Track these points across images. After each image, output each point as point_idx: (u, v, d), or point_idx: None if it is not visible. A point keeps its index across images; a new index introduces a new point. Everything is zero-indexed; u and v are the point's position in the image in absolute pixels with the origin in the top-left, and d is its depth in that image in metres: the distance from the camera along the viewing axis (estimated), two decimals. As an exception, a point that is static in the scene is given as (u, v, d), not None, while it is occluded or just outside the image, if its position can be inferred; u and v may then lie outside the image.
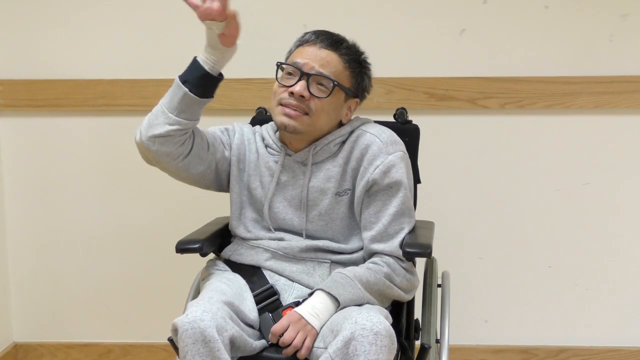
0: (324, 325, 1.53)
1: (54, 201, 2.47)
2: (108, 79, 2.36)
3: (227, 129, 1.81)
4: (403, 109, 1.92)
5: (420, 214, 1.94)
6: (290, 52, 1.75)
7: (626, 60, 2.29)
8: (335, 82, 1.66)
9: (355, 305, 1.59)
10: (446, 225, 2.25)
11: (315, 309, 1.54)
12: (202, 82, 1.62)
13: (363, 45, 2.30)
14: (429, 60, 2.32)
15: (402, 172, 1.67)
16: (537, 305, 2.43)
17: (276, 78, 1.71)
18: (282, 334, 1.51)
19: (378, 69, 2.31)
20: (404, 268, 1.66)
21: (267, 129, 1.79)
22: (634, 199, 2.37)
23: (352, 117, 1.77)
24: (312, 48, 1.69)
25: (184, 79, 1.62)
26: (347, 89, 1.71)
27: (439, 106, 2.32)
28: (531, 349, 2.45)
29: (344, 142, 1.72)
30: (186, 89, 1.61)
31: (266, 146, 1.77)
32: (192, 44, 2.32)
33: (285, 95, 1.66)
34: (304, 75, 1.65)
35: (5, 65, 2.39)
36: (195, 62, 1.62)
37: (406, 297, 1.69)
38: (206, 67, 1.61)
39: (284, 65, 1.71)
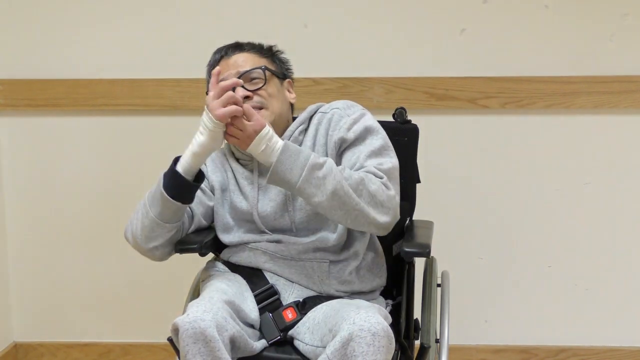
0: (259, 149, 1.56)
1: (54, 201, 2.47)
2: (108, 79, 2.36)
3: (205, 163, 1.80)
4: (402, 108, 1.92)
5: (420, 214, 1.94)
6: (209, 82, 1.75)
7: (626, 60, 2.29)
8: (263, 67, 1.71)
9: (349, 299, 1.62)
10: (446, 225, 2.25)
11: (271, 140, 1.56)
12: (189, 191, 1.64)
13: (363, 45, 2.32)
14: (429, 60, 2.32)
15: (366, 120, 1.69)
16: (537, 305, 2.43)
17: None
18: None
19: (378, 69, 2.33)
20: (383, 184, 1.59)
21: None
22: (634, 199, 2.37)
23: (307, 107, 1.78)
24: (222, 62, 1.73)
25: (172, 193, 1.60)
26: (275, 72, 1.75)
27: (439, 106, 2.32)
28: (531, 349, 2.45)
29: (306, 129, 1.74)
30: (179, 203, 1.62)
31: (237, 159, 1.77)
32: (192, 43, 2.34)
33: None
34: None
35: (5, 65, 2.39)
36: (179, 176, 1.60)
37: (377, 216, 1.57)
38: (190, 177, 1.62)
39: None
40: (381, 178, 1.60)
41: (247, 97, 1.66)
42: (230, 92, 1.56)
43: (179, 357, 1.49)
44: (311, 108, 1.77)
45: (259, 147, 1.56)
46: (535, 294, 2.43)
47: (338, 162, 1.67)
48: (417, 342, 1.74)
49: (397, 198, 1.62)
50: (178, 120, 2.38)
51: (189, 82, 2.34)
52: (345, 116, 1.70)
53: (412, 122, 1.92)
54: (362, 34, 2.32)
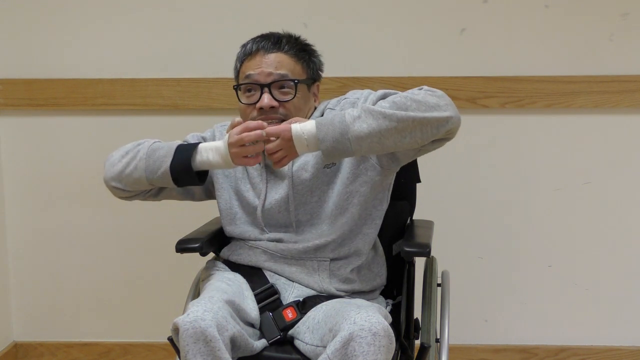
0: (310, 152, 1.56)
1: (53, 201, 2.47)
2: (108, 78, 2.36)
3: (204, 137, 1.80)
4: (403, 108, 1.92)
5: (420, 214, 1.94)
6: (237, 70, 1.75)
7: (626, 60, 2.29)
8: (296, 80, 1.68)
9: (349, 298, 1.62)
10: (446, 224, 2.25)
11: (305, 128, 1.52)
12: (193, 181, 1.65)
13: (363, 45, 2.32)
14: (429, 60, 2.32)
15: (376, 91, 1.66)
16: (537, 304, 2.43)
17: (238, 100, 1.72)
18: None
19: (378, 69, 2.33)
20: (426, 90, 1.56)
21: None
22: (634, 199, 2.37)
23: (319, 105, 1.77)
24: (258, 57, 1.69)
25: (176, 176, 1.62)
26: (306, 80, 1.72)
27: (439, 106, 2.32)
28: (531, 349, 2.46)
29: None
30: (175, 186, 1.65)
31: None
32: (192, 43, 2.34)
33: (255, 113, 1.67)
34: (264, 87, 1.66)
35: (5, 65, 2.39)
36: (191, 172, 1.61)
37: (439, 115, 1.53)
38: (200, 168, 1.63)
39: (241, 85, 1.71)
40: (420, 89, 1.56)
41: (272, 107, 1.65)
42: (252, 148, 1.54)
43: (179, 357, 1.49)
44: (322, 106, 1.76)
45: (302, 145, 1.52)
46: (535, 294, 2.43)
47: None
48: (417, 342, 1.74)
49: (447, 96, 1.57)
50: (178, 120, 2.38)
51: (189, 82, 2.35)
52: (356, 100, 1.69)
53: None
54: (362, 34, 2.32)
